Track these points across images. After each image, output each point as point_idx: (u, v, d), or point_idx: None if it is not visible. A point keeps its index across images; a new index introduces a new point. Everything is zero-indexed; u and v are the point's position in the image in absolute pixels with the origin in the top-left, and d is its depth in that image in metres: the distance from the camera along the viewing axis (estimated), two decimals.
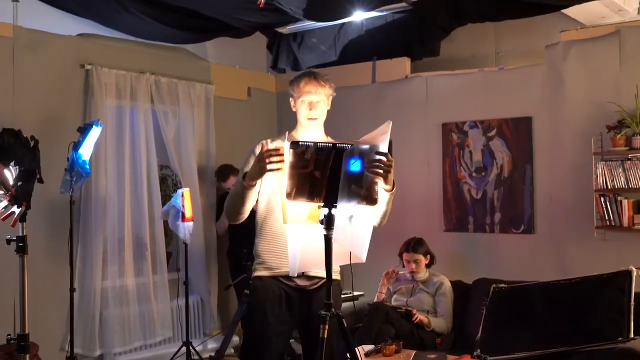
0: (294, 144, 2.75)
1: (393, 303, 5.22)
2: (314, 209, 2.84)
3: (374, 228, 2.83)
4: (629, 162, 5.01)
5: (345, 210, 2.73)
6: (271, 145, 3.02)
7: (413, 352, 4.42)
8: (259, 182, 2.98)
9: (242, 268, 4.84)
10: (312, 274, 3.05)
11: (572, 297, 4.45)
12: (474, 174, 5.89)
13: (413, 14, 6.13)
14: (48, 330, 4.99)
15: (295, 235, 2.99)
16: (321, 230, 2.76)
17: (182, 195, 5.49)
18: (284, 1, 5.27)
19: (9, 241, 3.06)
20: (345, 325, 2.87)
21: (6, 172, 2.87)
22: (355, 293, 5.45)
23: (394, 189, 2.92)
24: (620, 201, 5.06)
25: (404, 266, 5.35)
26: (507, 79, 5.77)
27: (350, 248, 2.83)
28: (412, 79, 6.27)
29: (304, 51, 6.90)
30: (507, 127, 5.73)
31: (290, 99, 3.17)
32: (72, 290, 4.93)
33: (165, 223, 5.76)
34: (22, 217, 2.96)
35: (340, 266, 3.09)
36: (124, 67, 5.61)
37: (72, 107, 5.30)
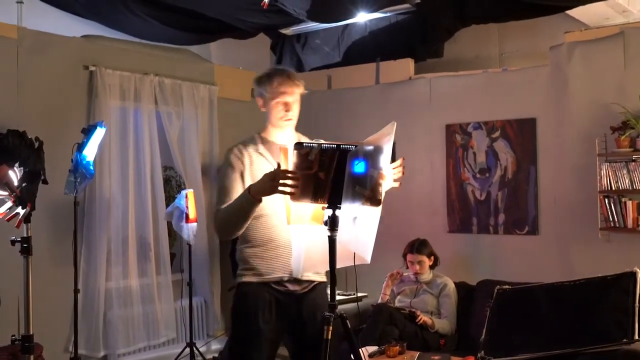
0: (298, 145, 2.75)
1: (397, 304, 5.22)
2: (318, 210, 2.83)
3: (378, 229, 2.81)
4: (633, 163, 4.99)
5: (350, 211, 2.73)
6: (248, 152, 2.96)
7: (417, 354, 4.41)
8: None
9: None
10: (303, 277, 3.00)
11: (576, 298, 4.44)
12: (477, 175, 5.89)
13: (417, 15, 6.13)
14: (52, 331, 4.99)
15: (299, 237, 2.99)
16: (325, 232, 2.76)
17: (186, 197, 5.50)
18: (287, 2, 5.27)
19: (13, 242, 3.07)
20: (349, 326, 2.87)
21: (11, 173, 2.87)
22: (359, 294, 5.46)
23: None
24: (625, 202, 5.05)
25: (407, 267, 5.35)
26: (511, 80, 5.77)
27: (355, 249, 2.83)
28: (415, 80, 6.26)
29: (308, 52, 6.91)
30: (511, 128, 5.72)
31: (259, 98, 3.05)
32: (76, 291, 4.93)
33: (169, 224, 5.77)
34: (27, 218, 2.96)
35: (345, 267, 3.07)
36: (128, 69, 5.62)
37: (76, 108, 5.31)
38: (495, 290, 4.75)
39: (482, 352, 4.37)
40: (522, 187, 5.66)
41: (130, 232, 5.57)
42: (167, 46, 6.08)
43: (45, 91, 5.10)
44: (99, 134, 4.79)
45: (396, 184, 2.79)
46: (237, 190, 2.91)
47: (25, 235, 3.00)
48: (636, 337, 3.98)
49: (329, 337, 2.77)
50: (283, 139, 3.00)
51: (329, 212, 2.75)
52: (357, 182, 2.68)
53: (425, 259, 5.26)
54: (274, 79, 2.97)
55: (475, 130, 5.90)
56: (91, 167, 4.76)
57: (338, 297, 3.33)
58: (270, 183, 2.68)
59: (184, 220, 5.45)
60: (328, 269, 2.82)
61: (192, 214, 5.49)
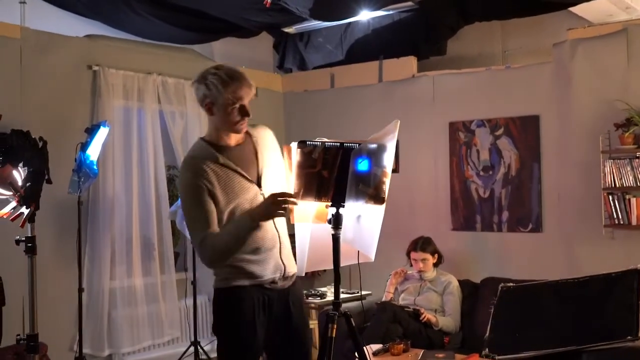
0: (302, 144, 2.75)
1: (401, 302, 5.22)
2: (322, 209, 2.84)
3: (382, 227, 2.81)
4: (637, 160, 4.98)
5: (353, 209, 2.73)
6: (209, 166, 2.74)
7: (421, 352, 4.41)
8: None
9: None
10: (290, 273, 2.96)
11: (580, 295, 4.44)
12: (481, 173, 5.88)
13: (419, 12, 6.13)
14: (57, 330, 5.00)
15: (303, 235, 2.99)
16: (328, 230, 2.76)
17: None
18: (290, 1, 5.27)
19: (18, 242, 3.08)
20: (354, 324, 2.88)
21: (15, 173, 2.88)
22: (363, 292, 5.46)
23: None
24: (629, 199, 5.04)
25: (411, 265, 5.36)
26: (514, 78, 5.76)
27: (359, 247, 2.83)
28: (418, 78, 6.26)
29: (311, 51, 6.91)
30: (514, 125, 5.71)
31: (207, 102, 2.75)
32: (80, 290, 4.95)
33: (173, 223, 5.77)
34: (31, 218, 2.97)
35: (349, 265, 3.06)
36: (131, 68, 5.63)
37: (80, 108, 5.32)
38: (499, 288, 4.74)
39: (487, 349, 4.37)
40: (526, 185, 5.65)
41: (134, 231, 5.58)
42: (170, 45, 6.08)
43: (48, 91, 5.11)
44: (102, 133, 4.80)
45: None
46: (213, 211, 2.74)
47: (29, 235, 3.01)
48: None
49: (334, 335, 2.78)
50: (235, 140, 2.85)
51: (333, 210, 2.76)
52: (361, 180, 2.68)
53: (429, 256, 5.26)
54: (233, 82, 2.74)
55: (479, 128, 5.90)
56: (95, 167, 4.77)
57: (342, 296, 3.33)
58: (272, 207, 2.64)
59: None
60: (331, 267, 2.83)
61: None
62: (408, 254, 5.36)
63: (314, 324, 6.29)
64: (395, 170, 2.70)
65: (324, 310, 5.27)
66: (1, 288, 3.04)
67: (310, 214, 2.87)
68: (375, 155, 2.69)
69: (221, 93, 2.72)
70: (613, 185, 5.06)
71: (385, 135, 2.69)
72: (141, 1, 5.23)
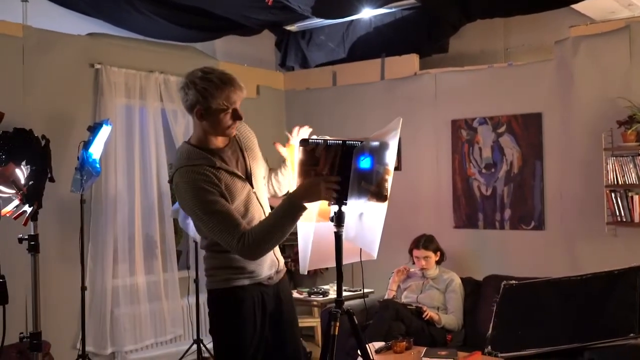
0: (304, 142, 2.75)
1: (403, 300, 5.22)
2: (324, 206, 2.84)
3: (384, 225, 2.80)
4: (639, 157, 4.98)
5: (356, 207, 2.73)
6: (210, 171, 2.66)
7: (424, 349, 4.41)
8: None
9: None
10: (282, 266, 2.95)
11: (583, 293, 4.44)
12: (483, 171, 5.88)
13: (422, 10, 6.12)
14: (60, 328, 5.02)
15: (305, 233, 2.99)
16: (331, 227, 2.76)
17: None
18: None
19: (21, 240, 3.08)
20: (356, 322, 2.88)
21: (18, 171, 2.89)
22: (365, 290, 5.46)
23: None
24: (631, 197, 5.03)
25: (414, 263, 5.36)
26: (517, 75, 5.75)
27: (361, 245, 2.83)
28: (421, 75, 6.26)
29: (313, 49, 6.91)
30: (516, 123, 5.71)
31: (199, 107, 2.65)
32: (83, 288, 4.97)
33: (175, 221, 5.78)
34: (34, 216, 2.97)
35: (351, 263, 3.06)
36: (133, 67, 5.63)
37: (82, 106, 5.33)
38: (502, 286, 4.75)
39: (489, 347, 4.38)
40: (528, 182, 5.65)
41: (136, 229, 5.59)
42: (172, 44, 6.09)
43: (50, 89, 5.12)
44: (104, 131, 4.81)
45: None
46: (232, 208, 2.67)
47: (32, 233, 3.01)
48: None
49: (336, 333, 2.78)
50: (222, 141, 2.79)
51: (335, 208, 2.76)
52: (363, 178, 2.68)
53: (431, 254, 5.26)
54: (224, 88, 2.64)
55: (481, 126, 5.89)
56: (97, 165, 4.78)
57: (344, 294, 3.32)
58: (318, 187, 2.59)
59: (190, 217, 5.44)
60: (334, 264, 2.83)
61: None
62: (410, 252, 5.36)
63: (316, 321, 6.31)
64: (397, 168, 2.70)
65: (327, 308, 5.27)
66: (4, 286, 3.04)
67: (313, 211, 2.88)
68: (377, 153, 2.68)
69: (215, 98, 2.63)
70: (615, 183, 5.06)
71: (387, 133, 2.69)
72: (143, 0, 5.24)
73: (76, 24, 5.48)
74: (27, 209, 2.95)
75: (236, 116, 2.72)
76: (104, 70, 5.40)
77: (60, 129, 5.02)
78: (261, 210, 2.83)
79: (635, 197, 5.01)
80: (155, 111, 5.79)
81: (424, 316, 4.92)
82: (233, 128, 2.75)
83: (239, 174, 2.77)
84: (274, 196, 3.02)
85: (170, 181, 2.78)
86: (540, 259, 5.51)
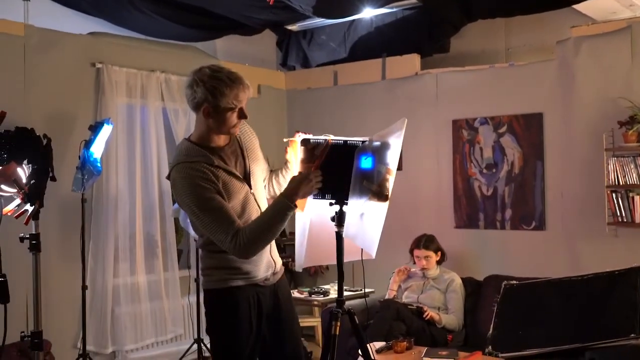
0: (305, 141, 2.76)
1: (404, 300, 5.23)
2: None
3: (385, 224, 2.80)
4: None
5: (356, 206, 2.73)
6: (208, 169, 2.67)
7: (424, 349, 4.41)
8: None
9: None
10: (279, 267, 2.94)
11: (583, 293, 4.44)
12: (484, 171, 5.88)
13: (423, 10, 6.13)
14: (60, 327, 5.02)
15: (302, 230, 2.99)
16: (328, 225, 2.77)
17: None
18: None
19: (22, 239, 3.08)
20: (357, 322, 2.88)
21: (19, 170, 2.89)
22: (366, 290, 5.46)
23: None
24: (632, 197, 5.03)
25: (414, 263, 5.36)
26: (518, 75, 5.75)
27: (360, 244, 2.82)
28: (422, 75, 6.26)
29: (314, 48, 6.91)
30: (517, 123, 5.71)
31: (206, 105, 2.65)
32: (84, 287, 4.97)
33: (176, 220, 5.78)
34: (35, 215, 2.98)
35: (352, 263, 3.06)
36: (134, 66, 5.63)
37: (83, 105, 5.33)
38: (503, 286, 4.75)
39: (490, 347, 4.38)
40: (529, 182, 5.65)
41: (137, 228, 5.59)
42: (173, 43, 6.09)
43: (52, 88, 5.12)
44: (106, 131, 4.81)
45: None
46: (228, 206, 2.67)
47: (34, 232, 3.02)
48: None
49: (337, 332, 2.79)
50: (223, 140, 2.79)
51: (336, 207, 2.76)
52: (365, 177, 2.68)
53: (432, 254, 5.26)
54: (233, 87, 2.65)
55: (482, 126, 5.89)
56: (98, 164, 4.78)
57: (345, 293, 3.33)
58: (310, 185, 2.64)
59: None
60: (330, 262, 2.83)
61: None
62: (411, 252, 5.36)
63: (316, 321, 6.31)
64: (398, 168, 2.71)
65: (327, 307, 5.27)
66: (5, 285, 3.05)
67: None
68: (379, 153, 2.69)
69: (224, 97, 2.63)
70: (616, 183, 5.06)
71: (391, 133, 2.69)
72: None
73: (77, 23, 5.48)
74: (29, 208, 2.95)
75: (242, 115, 2.72)
76: (105, 70, 5.40)
77: (61, 128, 5.02)
78: (259, 212, 2.83)
79: (636, 198, 5.01)
80: (156, 110, 5.79)
81: (424, 316, 4.92)
82: (237, 127, 2.76)
83: (237, 173, 2.77)
84: (273, 197, 3.02)
85: (169, 177, 2.78)
86: (541, 259, 5.51)
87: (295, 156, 2.86)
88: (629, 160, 5.01)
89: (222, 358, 2.83)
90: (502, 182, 5.78)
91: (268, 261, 2.86)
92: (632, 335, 4.03)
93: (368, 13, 6.24)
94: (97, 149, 4.78)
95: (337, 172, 2.73)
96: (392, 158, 2.68)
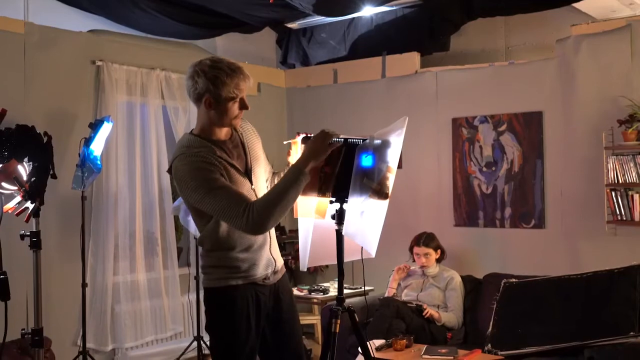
0: (306, 139, 2.76)
1: (404, 298, 5.23)
2: (321, 204, 2.84)
3: (385, 223, 2.80)
4: None
5: (357, 205, 2.74)
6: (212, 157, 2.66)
7: (424, 347, 4.42)
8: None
9: None
10: (279, 266, 2.92)
11: (583, 291, 4.45)
12: (484, 169, 5.88)
13: (423, 8, 6.13)
14: (60, 325, 5.02)
15: (305, 230, 2.99)
16: (331, 224, 2.77)
17: None
18: None
19: (23, 237, 3.09)
20: (357, 319, 2.89)
21: (20, 168, 2.89)
22: (366, 288, 5.47)
23: None
24: (632, 196, 5.03)
25: (414, 261, 5.37)
26: (518, 74, 5.76)
27: (360, 242, 2.83)
28: (422, 73, 6.26)
29: (314, 46, 6.91)
30: (517, 121, 5.71)
31: (208, 96, 2.65)
32: (84, 285, 4.98)
33: (176, 218, 5.78)
34: (36, 213, 2.98)
35: (352, 261, 3.07)
36: (134, 63, 5.63)
37: (83, 103, 5.33)
38: (502, 284, 4.76)
39: (489, 345, 4.39)
40: (529, 181, 5.66)
41: (137, 226, 5.60)
42: (173, 41, 6.09)
43: (52, 86, 5.12)
44: (106, 128, 4.81)
45: None
46: (234, 187, 2.66)
47: (34, 230, 3.02)
48: None
49: (337, 330, 2.79)
50: (225, 134, 2.79)
51: (337, 206, 2.76)
52: (365, 175, 2.69)
53: (432, 251, 5.27)
54: (234, 77, 2.65)
55: (482, 124, 5.90)
56: (98, 162, 4.78)
57: (345, 291, 3.33)
58: (323, 142, 2.64)
59: (191, 215, 5.44)
60: (333, 261, 2.84)
61: None
62: (411, 249, 5.36)
63: (316, 319, 6.32)
64: (398, 166, 2.71)
65: (327, 305, 5.28)
66: (6, 283, 3.05)
67: (312, 208, 2.88)
68: (380, 151, 2.69)
69: (225, 86, 2.63)
70: (616, 182, 5.06)
71: (392, 131, 2.69)
72: None
73: (77, 21, 5.48)
74: (29, 205, 2.96)
75: (243, 105, 2.73)
76: (105, 67, 5.40)
77: (61, 125, 5.02)
78: None
79: (636, 196, 5.02)
80: (156, 108, 5.79)
81: (424, 314, 4.93)
82: (239, 118, 2.76)
83: (238, 167, 2.75)
84: None
85: (170, 170, 2.76)
86: (541, 258, 5.52)
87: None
88: (628, 158, 5.02)
89: (221, 357, 2.82)
90: (502, 181, 5.79)
91: (268, 259, 2.83)
92: (631, 333, 4.04)
93: (368, 11, 6.24)
94: (97, 147, 4.78)
95: (337, 170, 2.74)
96: (392, 156, 2.68)
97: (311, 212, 2.90)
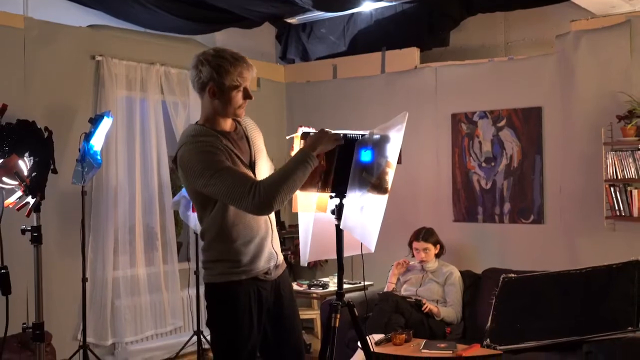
0: (305, 135, 2.77)
1: (403, 293, 5.25)
2: (322, 198, 2.85)
3: (384, 218, 2.80)
4: (639, 152, 4.99)
5: (355, 200, 2.74)
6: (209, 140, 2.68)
7: (423, 341, 4.44)
8: None
9: None
10: (281, 261, 2.91)
11: (582, 287, 4.46)
12: (483, 164, 5.89)
13: (422, 3, 6.13)
14: (61, 319, 5.04)
15: (306, 225, 3.00)
16: (331, 219, 2.78)
17: None
18: None
19: (24, 231, 3.09)
20: (357, 314, 2.90)
21: (20, 162, 2.89)
22: (365, 283, 5.48)
23: None
24: (630, 191, 5.04)
25: (413, 256, 5.38)
26: (517, 69, 5.76)
27: (359, 237, 2.83)
28: (421, 69, 6.26)
29: (313, 42, 6.91)
30: (516, 117, 5.72)
31: (211, 85, 2.68)
32: (84, 280, 4.99)
33: (176, 213, 5.79)
34: (37, 208, 2.98)
35: (351, 256, 3.07)
36: (134, 59, 5.64)
37: (83, 98, 5.34)
38: (501, 279, 4.77)
39: (488, 339, 4.40)
40: (528, 176, 5.67)
41: (137, 221, 5.61)
42: (173, 36, 6.09)
43: (52, 81, 5.12)
44: (106, 123, 4.82)
45: None
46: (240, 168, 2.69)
47: (35, 225, 3.02)
48: None
49: (337, 324, 2.80)
50: (229, 126, 2.81)
51: (336, 201, 2.77)
52: (364, 170, 2.69)
53: (431, 246, 5.28)
54: (237, 65, 2.68)
55: (481, 119, 5.90)
56: (98, 157, 4.79)
57: (344, 286, 3.34)
58: (331, 136, 2.69)
59: (191, 209, 5.46)
60: (333, 256, 2.84)
61: None
62: (410, 244, 5.38)
63: (315, 314, 6.34)
64: (397, 161, 2.72)
65: (326, 300, 5.29)
66: (7, 277, 3.06)
67: (312, 203, 2.89)
68: (379, 146, 2.70)
69: (229, 74, 2.66)
70: (615, 177, 5.07)
71: (392, 127, 2.70)
72: None
73: (77, 16, 5.48)
74: (30, 200, 2.96)
75: (247, 95, 2.76)
76: (105, 62, 5.40)
77: (61, 120, 5.03)
78: None
79: (634, 192, 5.03)
80: (156, 103, 5.80)
81: (423, 309, 4.95)
82: (243, 108, 2.78)
83: (242, 158, 2.76)
84: None
85: (174, 160, 2.75)
86: (539, 253, 5.53)
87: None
88: (627, 154, 5.02)
89: (222, 352, 2.82)
90: (501, 176, 5.80)
91: (270, 253, 2.83)
92: (630, 328, 4.04)
93: (368, 6, 6.25)
94: (97, 142, 4.78)
95: (336, 165, 2.75)
96: (392, 151, 2.69)
97: (312, 206, 2.91)
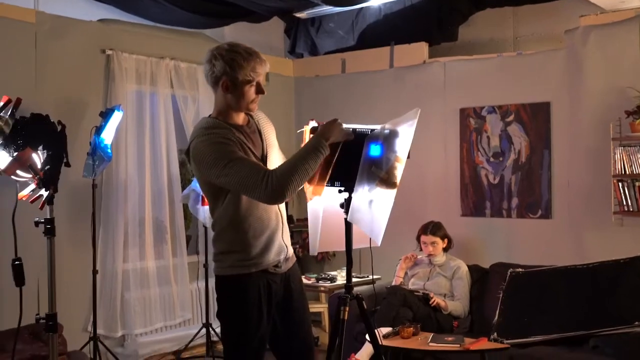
0: (315, 129, 2.79)
1: (410, 287, 5.27)
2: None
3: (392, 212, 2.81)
4: None
5: (364, 194, 2.76)
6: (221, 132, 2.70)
7: (430, 335, 4.47)
8: None
9: None
10: (290, 254, 2.93)
11: (589, 281, 4.47)
12: (491, 159, 5.90)
13: None
14: (71, 311, 5.07)
15: (315, 216, 3.02)
16: (340, 211, 2.80)
17: None
18: None
19: (37, 223, 3.12)
20: (365, 307, 2.92)
21: (34, 156, 2.92)
22: (373, 277, 5.51)
23: None
24: (639, 187, 5.04)
25: (421, 249, 5.40)
26: (526, 64, 5.76)
27: (366, 230, 2.84)
28: (430, 64, 6.27)
29: (322, 36, 6.92)
30: (525, 112, 5.72)
31: (225, 79, 2.70)
32: (94, 272, 5.03)
33: (185, 206, 5.83)
34: (50, 200, 3.01)
35: (359, 250, 3.08)
36: (144, 53, 5.67)
37: (93, 92, 5.37)
38: (509, 273, 4.79)
39: (495, 333, 4.42)
40: (536, 171, 5.67)
41: (146, 214, 5.65)
42: (182, 30, 6.11)
43: (63, 75, 5.16)
44: (116, 117, 4.85)
45: None
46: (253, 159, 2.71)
47: (48, 217, 3.06)
48: None
49: (346, 317, 2.83)
50: (242, 120, 2.83)
51: (345, 195, 2.80)
52: (374, 164, 2.71)
53: (439, 240, 5.30)
54: (250, 60, 2.71)
55: (489, 114, 5.91)
56: (109, 150, 4.82)
57: (353, 280, 3.37)
58: (342, 129, 2.72)
59: (200, 202, 5.49)
60: (341, 247, 2.87)
61: None
62: (418, 238, 5.40)
63: (323, 307, 6.37)
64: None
65: (335, 293, 5.32)
66: (21, 268, 3.10)
67: (308, 191, 2.91)
68: (388, 141, 2.71)
69: (242, 69, 2.69)
70: (623, 173, 5.07)
71: (403, 122, 2.71)
72: None
73: (88, 10, 5.51)
74: (44, 193, 2.99)
75: (260, 90, 2.79)
76: (115, 56, 5.43)
77: (72, 114, 5.06)
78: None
79: None
80: (165, 97, 5.83)
81: (431, 303, 4.97)
82: (255, 102, 2.81)
83: (255, 151, 2.77)
84: None
85: (187, 152, 2.78)
86: (547, 248, 5.54)
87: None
88: (635, 149, 5.02)
89: (232, 344, 2.84)
90: (509, 171, 5.81)
91: (280, 245, 2.84)
92: (637, 322, 4.06)
93: (376, 1, 6.25)
94: (107, 135, 4.82)
95: (346, 159, 2.77)
96: (401, 146, 2.70)
97: (308, 194, 2.93)
